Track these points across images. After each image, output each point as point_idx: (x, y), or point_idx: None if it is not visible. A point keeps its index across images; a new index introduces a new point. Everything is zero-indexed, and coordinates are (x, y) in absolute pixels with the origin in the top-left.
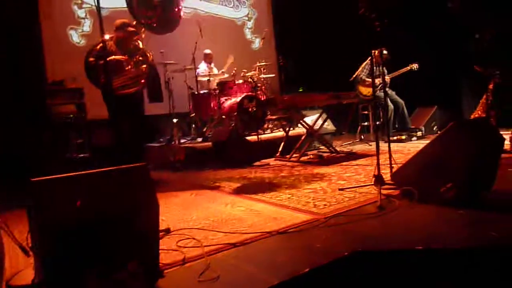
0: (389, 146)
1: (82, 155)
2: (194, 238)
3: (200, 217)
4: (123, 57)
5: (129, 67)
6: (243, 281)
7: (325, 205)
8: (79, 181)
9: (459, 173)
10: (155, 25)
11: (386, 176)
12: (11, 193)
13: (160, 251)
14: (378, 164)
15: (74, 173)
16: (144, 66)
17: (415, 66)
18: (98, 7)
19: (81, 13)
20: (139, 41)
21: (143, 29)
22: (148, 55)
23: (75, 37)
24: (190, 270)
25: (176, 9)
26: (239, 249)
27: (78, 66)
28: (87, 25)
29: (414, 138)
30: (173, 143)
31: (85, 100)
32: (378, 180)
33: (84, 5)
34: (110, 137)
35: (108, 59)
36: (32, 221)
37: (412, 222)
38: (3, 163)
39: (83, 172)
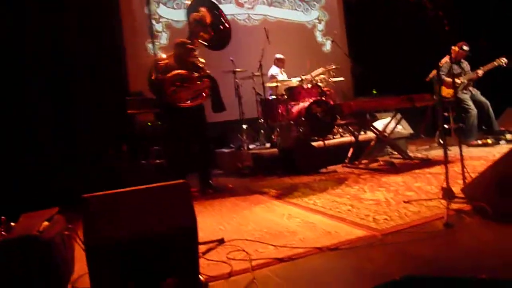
0: (461, 155)
1: (158, 161)
2: (244, 250)
3: (256, 228)
4: (185, 71)
5: (193, 80)
6: None
7: (385, 219)
8: (122, 197)
9: None
10: (208, 43)
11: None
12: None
13: (210, 262)
14: (446, 174)
15: (118, 190)
16: (207, 79)
17: (503, 61)
18: None
19: (158, 27)
20: (199, 58)
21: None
22: (204, 67)
23: (153, 49)
24: (233, 284)
25: (223, 27)
26: (286, 265)
27: None
28: (164, 38)
29: (503, 142)
30: (242, 149)
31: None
32: (447, 193)
33: (161, 19)
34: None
35: (173, 73)
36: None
37: (483, 244)
38: (89, 172)
39: (126, 189)
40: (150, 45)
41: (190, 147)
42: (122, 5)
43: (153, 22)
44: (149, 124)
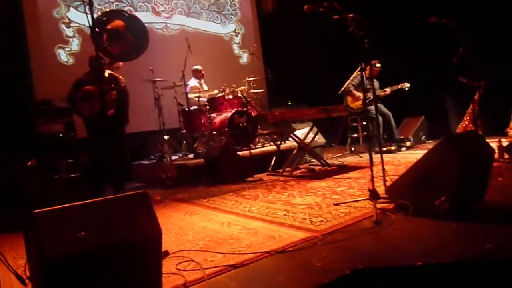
0: (381, 160)
1: (72, 175)
2: (193, 261)
3: (197, 238)
4: (94, 87)
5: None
6: None
7: (321, 221)
8: (80, 211)
9: (450, 186)
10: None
11: (380, 189)
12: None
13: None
14: (372, 178)
15: (75, 203)
16: (114, 92)
17: (406, 85)
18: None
19: (69, 32)
20: (115, 73)
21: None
22: (120, 81)
23: (63, 56)
24: None
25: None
26: (240, 270)
27: (66, 85)
28: (75, 44)
29: (404, 149)
30: (164, 160)
31: (74, 119)
32: (373, 194)
33: (72, 24)
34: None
35: (82, 89)
36: (32, 252)
37: (408, 237)
38: None
39: (84, 202)
40: (59, 51)
41: (109, 159)
42: (26, 8)
43: (63, 26)
44: (61, 135)
